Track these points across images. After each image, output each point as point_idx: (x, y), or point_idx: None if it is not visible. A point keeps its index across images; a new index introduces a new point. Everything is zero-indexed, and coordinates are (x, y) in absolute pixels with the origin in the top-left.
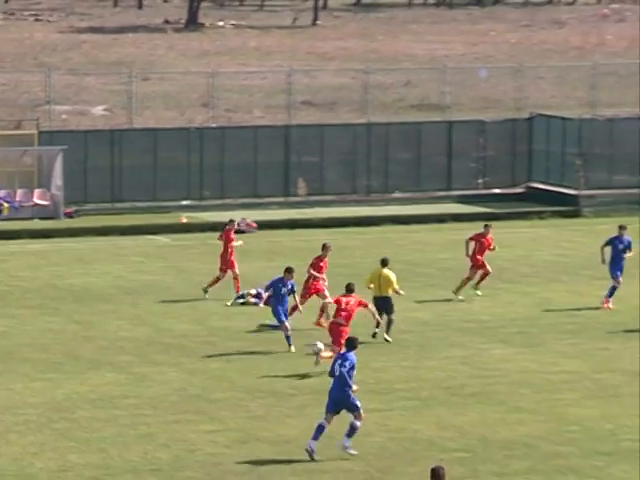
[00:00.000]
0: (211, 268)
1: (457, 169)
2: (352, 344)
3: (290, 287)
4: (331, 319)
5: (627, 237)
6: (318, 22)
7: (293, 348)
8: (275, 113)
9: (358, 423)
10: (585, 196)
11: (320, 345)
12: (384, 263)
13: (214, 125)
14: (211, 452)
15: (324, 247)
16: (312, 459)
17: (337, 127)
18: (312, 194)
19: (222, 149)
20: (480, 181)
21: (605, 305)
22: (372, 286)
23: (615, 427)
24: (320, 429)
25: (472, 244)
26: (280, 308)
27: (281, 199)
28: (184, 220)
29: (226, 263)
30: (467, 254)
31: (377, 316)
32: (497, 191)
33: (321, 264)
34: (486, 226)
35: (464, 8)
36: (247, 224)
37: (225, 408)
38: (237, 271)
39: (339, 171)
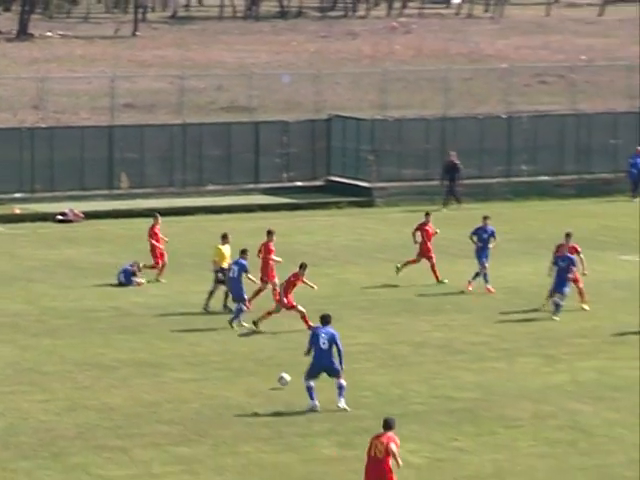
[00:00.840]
0: (42, 253)
1: (263, 164)
2: (327, 320)
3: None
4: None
5: (490, 227)
6: (138, 33)
7: (245, 324)
8: (99, 114)
9: (343, 382)
10: (377, 188)
11: (287, 377)
12: (224, 238)
13: (44, 125)
14: (43, 419)
15: (269, 233)
16: (315, 411)
17: (156, 127)
18: (134, 187)
19: (51, 147)
20: (284, 175)
21: (468, 288)
22: (216, 260)
23: (404, 392)
24: (311, 389)
25: (418, 234)
26: (238, 286)
27: (106, 191)
28: (17, 211)
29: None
30: (415, 242)
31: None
32: (299, 184)
33: (272, 248)
34: (427, 214)
35: (269, 21)
36: (75, 214)
37: (55, 380)
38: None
39: (158, 166)
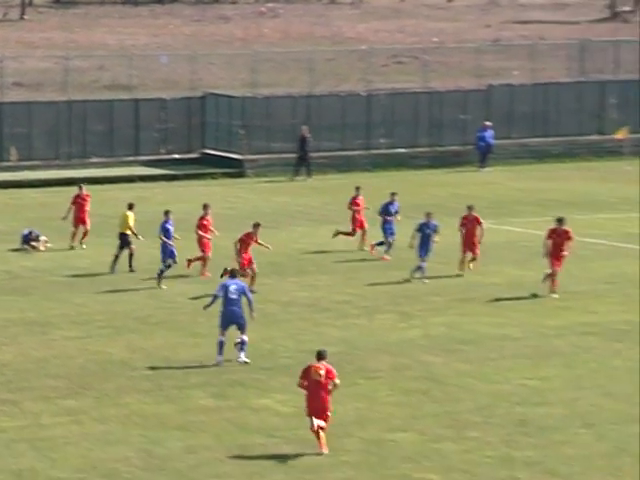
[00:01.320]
0: None
1: (143, 138)
2: (234, 274)
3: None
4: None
5: (434, 222)
6: (25, 17)
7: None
8: None
9: (245, 338)
10: (248, 160)
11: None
12: (129, 207)
13: None
14: None
15: (205, 207)
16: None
17: (43, 104)
18: (22, 160)
19: None
20: (162, 148)
21: (371, 251)
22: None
23: (273, 347)
24: (221, 344)
25: (355, 208)
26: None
27: None
28: None
29: None
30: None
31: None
32: (176, 156)
33: (204, 223)
34: (357, 189)
35: (147, 6)
36: None
37: None
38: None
39: (44, 140)
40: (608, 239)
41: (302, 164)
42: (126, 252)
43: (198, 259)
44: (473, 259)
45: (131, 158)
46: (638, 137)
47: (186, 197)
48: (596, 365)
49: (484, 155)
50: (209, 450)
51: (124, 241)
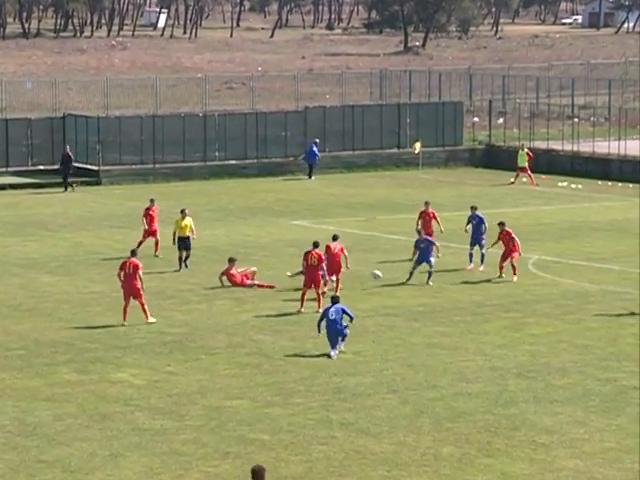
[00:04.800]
0: None
1: (12, 152)
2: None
3: None
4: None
5: (479, 214)
6: None
7: None
8: None
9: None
10: (103, 170)
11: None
12: None
13: None
14: None
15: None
16: None
17: None
18: None
19: None
20: (29, 161)
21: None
22: None
23: (127, 329)
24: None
25: (144, 219)
26: None
27: None
28: None
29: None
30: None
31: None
32: (42, 167)
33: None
34: (151, 200)
35: (13, 39)
36: None
37: None
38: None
39: None
40: (406, 236)
41: (65, 179)
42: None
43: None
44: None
45: (2, 169)
46: (430, 150)
47: (50, 202)
48: (399, 341)
49: (311, 166)
50: (74, 418)
51: None
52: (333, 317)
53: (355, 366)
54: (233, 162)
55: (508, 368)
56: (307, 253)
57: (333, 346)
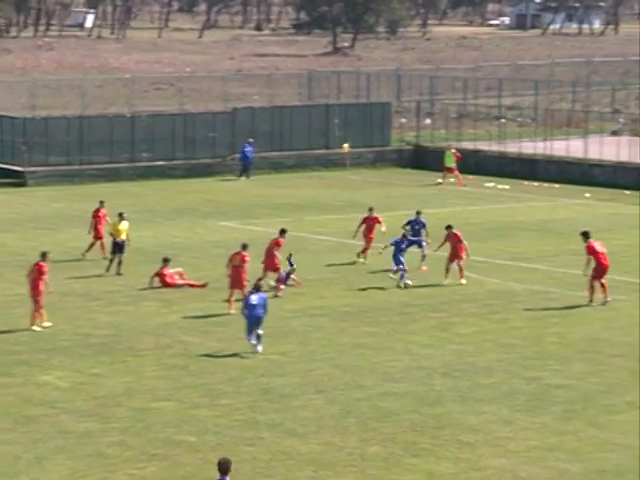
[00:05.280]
0: None
1: None
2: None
3: None
4: None
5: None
6: None
7: None
8: None
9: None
10: (29, 172)
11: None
12: None
13: None
14: None
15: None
16: None
17: None
18: None
19: None
20: None
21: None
22: None
23: (53, 331)
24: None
25: (92, 221)
26: None
27: None
28: None
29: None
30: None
31: None
32: None
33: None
34: (101, 202)
35: None
36: None
37: None
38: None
39: None
40: (334, 236)
41: None
42: None
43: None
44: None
45: None
46: (358, 151)
47: None
48: (326, 341)
49: (245, 166)
50: None
51: None
52: (255, 302)
53: (282, 367)
54: (161, 163)
55: (434, 367)
56: (234, 254)
57: (250, 331)
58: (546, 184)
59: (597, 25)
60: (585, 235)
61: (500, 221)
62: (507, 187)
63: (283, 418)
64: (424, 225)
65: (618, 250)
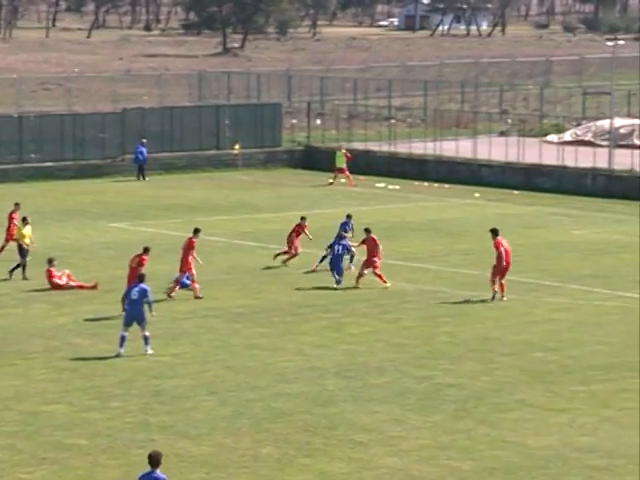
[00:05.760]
0: None
1: None
2: (142, 279)
3: None
4: None
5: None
6: None
7: None
8: None
9: (147, 333)
10: None
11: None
12: None
13: None
14: None
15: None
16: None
17: None
18: None
19: None
20: None
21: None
22: None
23: None
24: (123, 338)
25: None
26: None
27: None
28: None
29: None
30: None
31: None
32: None
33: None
34: (16, 205)
35: None
36: None
37: None
38: None
39: None
40: (225, 237)
41: None
42: None
43: None
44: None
45: None
46: (249, 152)
47: None
48: (219, 343)
49: (142, 167)
50: None
51: None
52: (135, 297)
53: (174, 368)
54: (50, 164)
55: (327, 368)
56: (134, 257)
57: (127, 324)
58: (436, 184)
59: (485, 27)
60: (494, 232)
61: (391, 221)
62: (397, 187)
63: (175, 420)
64: (352, 228)
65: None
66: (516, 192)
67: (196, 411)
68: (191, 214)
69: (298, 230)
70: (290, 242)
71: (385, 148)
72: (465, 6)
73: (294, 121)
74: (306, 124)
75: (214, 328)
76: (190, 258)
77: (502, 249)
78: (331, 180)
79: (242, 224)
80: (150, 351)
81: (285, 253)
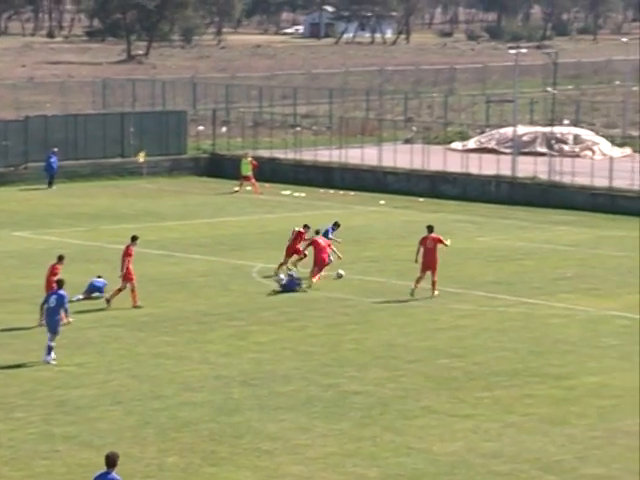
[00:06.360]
0: None
1: None
2: (60, 285)
3: None
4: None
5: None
6: None
7: None
8: None
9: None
10: None
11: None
12: None
13: None
14: None
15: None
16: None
17: None
18: None
19: None
20: None
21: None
22: None
23: None
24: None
25: None
26: None
27: None
28: None
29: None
30: None
31: None
32: None
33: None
34: None
35: None
36: None
37: None
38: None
39: None
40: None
41: None
42: None
43: None
44: (300, 259)
45: None
46: (154, 159)
47: None
48: (124, 352)
49: (52, 176)
50: None
51: None
52: (53, 305)
53: (78, 378)
54: None
55: (233, 376)
56: (50, 265)
57: (51, 331)
58: (341, 192)
59: (389, 34)
60: (429, 229)
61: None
62: (303, 195)
63: (79, 430)
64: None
65: (413, 257)
66: (421, 199)
67: (101, 421)
68: (95, 222)
69: (299, 239)
70: (291, 250)
71: (291, 156)
72: (370, 14)
73: (199, 128)
74: (211, 132)
75: (119, 337)
76: (130, 266)
77: (426, 247)
78: (237, 188)
79: (147, 232)
80: (53, 361)
81: (299, 259)
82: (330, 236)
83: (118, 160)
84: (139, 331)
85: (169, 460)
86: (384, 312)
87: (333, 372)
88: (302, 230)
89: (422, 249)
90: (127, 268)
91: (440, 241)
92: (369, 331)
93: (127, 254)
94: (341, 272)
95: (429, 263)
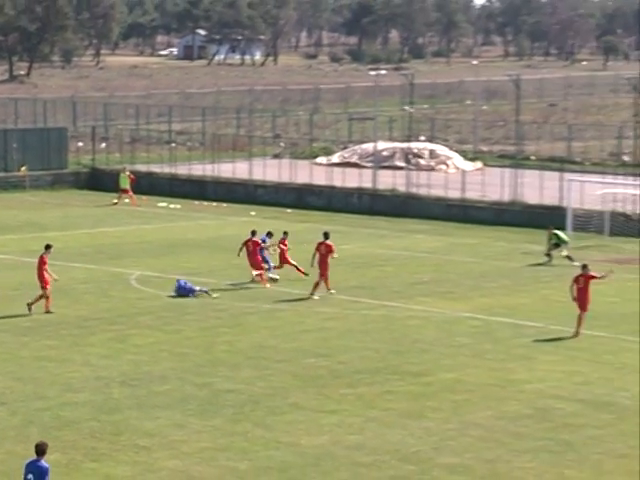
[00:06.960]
0: None
1: None
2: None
3: None
4: None
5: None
6: None
7: None
8: None
9: None
10: None
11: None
12: None
13: None
14: None
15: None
16: None
17: None
18: None
19: None
20: None
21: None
22: None
23: None
24: None
25: None
26: None
27: None
28: None
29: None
30: None
31: None
32: None
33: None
34: None
35: None
36: None
37: None
38: None
39: None
40: (14, 254)
41: None
42: None
43: None
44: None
45: None
46: (36, 174)
47: None
48: (8, 356)
49: None
50: None
51: None
52: None
53: None
54: None
55: (113, 377)
56: None
57: None
58: (215, 203)
59: (258, 56)
60: (325, 235)
61: (173, 238)
62: (179, 207)
63: None
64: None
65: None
66: (289, 210)
67: None
68: None
69: (283, 243)
70: (283, 260)
71: (167, 170)
72: (240, 37)
73: (80, 144)
74: (91, 147)
75: (3, 342)
76: (45, 274)
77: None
78: (115, 200)
79: (30, 242)
80: None
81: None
82: (264, 245)
83: (1, 174)
84: (23, 336)
85: (52, 457)
86: (255, 316)
87: (207, 372)
88: (255, 239)
89: (318, 255)
90: (42, 276)
91: (331, 250)
92: (241, 333)
93: (41, 262)
94: (276, 276)
95: (323, 270)
